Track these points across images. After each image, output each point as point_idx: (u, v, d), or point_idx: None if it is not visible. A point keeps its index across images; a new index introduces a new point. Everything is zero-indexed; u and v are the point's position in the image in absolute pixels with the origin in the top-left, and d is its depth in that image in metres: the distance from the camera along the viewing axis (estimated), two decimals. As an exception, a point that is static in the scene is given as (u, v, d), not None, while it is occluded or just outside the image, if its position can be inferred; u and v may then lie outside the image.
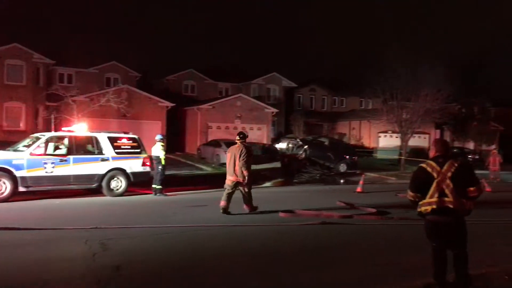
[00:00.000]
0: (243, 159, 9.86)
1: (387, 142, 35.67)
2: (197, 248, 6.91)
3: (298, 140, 26.59)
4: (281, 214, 9.80)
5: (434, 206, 4.58)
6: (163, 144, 13.98)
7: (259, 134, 32.53)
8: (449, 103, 30.68)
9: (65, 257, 6.18)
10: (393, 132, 30.73)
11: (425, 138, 36.54)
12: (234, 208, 10.07)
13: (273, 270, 5.81)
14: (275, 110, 33.66)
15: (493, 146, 29.19)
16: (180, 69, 39.02)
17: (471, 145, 36.93)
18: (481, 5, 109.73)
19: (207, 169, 23.26)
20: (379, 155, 34.08)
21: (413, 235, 7.99)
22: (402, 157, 27.28)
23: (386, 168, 26.47)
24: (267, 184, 18.87)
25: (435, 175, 4.61)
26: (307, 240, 7.65)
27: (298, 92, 43.29)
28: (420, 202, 4.71)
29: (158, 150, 13.83)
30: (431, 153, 4.88)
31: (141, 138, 14.61)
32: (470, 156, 32.00)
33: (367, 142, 36.85)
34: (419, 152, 32.06)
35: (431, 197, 4.60)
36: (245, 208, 10.24)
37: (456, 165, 4.61)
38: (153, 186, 13.65)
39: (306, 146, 23.86)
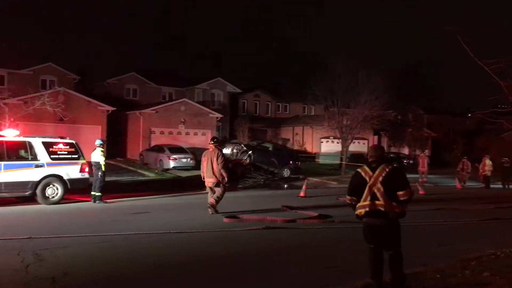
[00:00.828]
0: (221, 162, 10.68)
1: (328, 147, 36.75)
2: (135, 256, 6.72)
3: (242, 145, 26.68)
4: (225, 220, 9.78)
5: (367, 209, 4.82)
6: (102, 149, 13.52)
7: (204, 139, 32.29)
8: (386, 111, 32.20)
9: (-6, 270, 5.79)
10: (335, 137, 31.72)
11: (364, 143, 38.04)
12: (183, 213, 9.91)
13: (215, 276, 5.79)
14: (219, 115, 33.63)
15: (426, 152, 31.00)
16: (122, 72, 37.97)
17: (406, 151, 38.90)
18: (416, 18, 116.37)
19: (150, 175, 22.76)
20: (321, 160, 35.03)
21: (354, 237, 8.26)
22: (343, 162, 28.21)
23: (328, 172, 27.24)
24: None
25: (367, 179, 4.85)
26: (250, 245, 7.68)
27: (243, 97, 43.58)
28: (357, 205, 4.94)
29: (97, 155, 13.35)
30: (368, 158, 5.12)
31: (79, 143, 14.06)
32: (405, 161, 33.71)
33: (309, 147, 37.74)
34: (359, 157, 33.37)
35: (364, 200, 4.85)
36: (209, 210, 10.84)
37: (387, 169, 4.84)
38: (92, 193, 13.15)
39: (250, 152, 23.99)
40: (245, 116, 40.87)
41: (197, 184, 19.55)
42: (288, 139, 39.67)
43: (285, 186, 20.29)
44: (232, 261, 6.64)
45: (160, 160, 25.05)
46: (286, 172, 23.64)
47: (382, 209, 4.74)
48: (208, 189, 11.06)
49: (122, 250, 7.15)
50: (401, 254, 4.86)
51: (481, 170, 22.87)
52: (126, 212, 11.45)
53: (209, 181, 10.85)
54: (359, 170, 5.03)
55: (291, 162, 24.31)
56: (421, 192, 17.88)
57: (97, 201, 13.04)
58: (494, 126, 39.29)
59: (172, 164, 24.36)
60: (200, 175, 11.30)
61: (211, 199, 10.87)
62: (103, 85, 36.87)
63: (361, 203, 4.88)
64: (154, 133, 30.46)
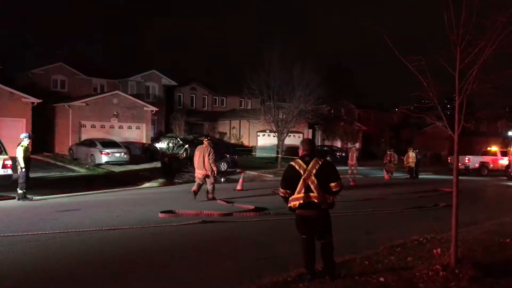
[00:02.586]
0: (212, 157, 12.36)
1: (265, 141, 37.22)
2: (62, 258, 6.41)
3: (178, 139, 26.36)
4: (161, 215, 9.61)
5: (301, 201, 4.95)
6: (23, 144, 12.62)
7: (138, 133, 31.45)
8: (320, 105, 33.19)
9: None
10: (271, 131, 32.19)
11: (299, 137, 38.87)
12: (116, 210, 9.56)
13: (151, 270, 5.68)
14: (154, 109, 32.84)
15: (357, 145, 32.37)
16: (48, 62, 35.79)
17: (339, 144, 40.41)
18: (348, 14, 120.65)
19: (81, 171, 21.77)
20: (257, 154, 35.41)
21: (288, 229, 8.48)
22: (279, 155, 28.72)
23: (265, 166, 27.61)
24: (147, 184, 18.36)
25: (301, 172, 4.97)
26: (186, 240, 7.62)
27: (179, 91, 42.81)
28: (290, 198, 5.04)
29: (21, 150, 12.53)
30: (300, 152, 5.24)
31: (1, 137, 13.12)
32: (338, 154, 34.97)
33: (246, 141, 38.01)
34: (294, 151, 34.14)
35: (299, 192, 4.97)
36: (209, 197, 12.44)
37: (320, 163, 5.03)
38: (18, 190, 12.35)
39: (187, 146, 23.76)
40: (181, 109, 40.26)
41: (131, 179, 19.18)
42: (225, 133, 39.69)
43: (222, 179, 20.29)
44: (166, 255, 6.55)
45: (92, 155, 24.02)
46: (223, 166, 23.64)
47: (316, 200, 4.90)
48: (196, 179, 12.68)
49: (51, 249, 6.79)
50: (332, 243, 5.06)
51: (405, 162, 24.37)
52: (53, 210, 10.86)
53: (199, 172, 12.50)
54: (292, 163, 5.13)
55: (227, 155, 24.34)
56: (352, 183, 18.67)
57: (20, 199, 12.25)
58: (418, 120, 41.98)
59: (104, 159, 23.43)
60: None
61: (208, 194, 12.52)
62: (28, 76, 34.56)
63: (295, 196, 4.98)
64: (85, 127, 29.11)
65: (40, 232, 7.76)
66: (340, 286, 4.81)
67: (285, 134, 29.57)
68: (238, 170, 23.05)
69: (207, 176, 12.47)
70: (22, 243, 7.07)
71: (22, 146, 12.56)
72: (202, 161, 12.39)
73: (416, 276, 5.10)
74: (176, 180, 19.27)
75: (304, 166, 5.00)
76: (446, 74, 5.37)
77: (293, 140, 36.83)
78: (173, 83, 41.77)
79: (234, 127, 39.72)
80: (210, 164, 12.35)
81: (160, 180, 19.10)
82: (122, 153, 24.11)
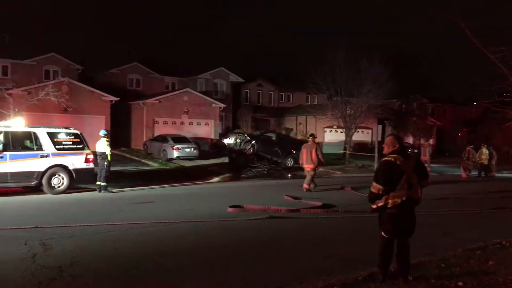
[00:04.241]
0: (320, 153, 14.13)
1: (332, 137, 36.69)
2: (142, 247, 6.76)
3: (245, 135, 26.69)
4: (229, 210, 9.82)
5: (404, 198, 4.79)
6: (107, 139, 13.57)
7: (207, 129, 32.34)
8: (390, 99, 32.05)
9: (2, 259, 5.85)
10: (338, 127, 31.62)
11: (368, 132, 37.94)
12: (187, 203, 9.92)
13: (220, 264, 5.82)
14: (222, 105, 33.57)
15: (430, 141, 30.90)
16: (124, 62, 37.83)
17: (411, 140, 38.80)
18: (416, 5, 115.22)
19: (154, 165, 22.82)
20: (324, 150, 34.94)
21: (357, 227, 8.30)
22: (347, 152, 28.17)
23: (332, 162, 27.17)
24: (215, 179, 18.82)
25: (404, 168, 4.83)
26: (254, 234, 7.72)
27: (246, 87, 43.43)
28: (386, 196, 4.80)
29: (103, 145, 13.40)
30: (388, 148, 5.04)
31: (84, 133, 14.08)
32: (409, 150, 33.61)
33: (313, 137, 37.60)
34: (363, 147, 33.28)
35: (401, 189, 4.79)
36: (304, 187, 13.81)
37: (415, 159, 5.05)
38: (98, 182, 13.22)
39: (253, 141, 24.00)
40: (248, 105, 40.78)
41: (200, 174, 19.78)
42: (292, 129, 39.61)
43: (289, 175, 20.30)
44: (235, 249, 6.68)
45: (164, 150, 25.09)
46: (290, 162, 23.63)
47: (416, 197, 4.86)
48: (306, 173, 14.26)
49: (128, 239, 7.20)
50: (409, 243, 4.89)
51: (478, 159, 22.76)
52: (131, 201, 11.52)
53: (308, 166, 14.06)
54: (390, 159, 4.90)
55: (294, 151, 24.26)
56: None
57: (102, 191, 13.11)
58: (498, 115, 39.10)
59: (175, 154, 24.39)
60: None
61: (304, 184, 13.97)
62: (106, 75, 36.79)
63: (396, 193, 4.78)
64: (158, 123, 30.48)
65: (119, 223, 8.25)
66: (414, 288, 4.63)
67: (353, 130, 28.88)
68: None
69: (313, 169, 13.96)
70: (102, 232, 7.56)
71: (107, 141, 13.43)
72: (309, 156, 13.94)
73: (499, 282, 4.78)
74: (243, 175, 19.56)
75: (405, 162, 4.87)
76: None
77: (361, 136, 35.98)
78: (240, 79, 42.29)
79: (300, 123, 39.54)
80: (319, 158, 13.98)
81: (228, 175, 19.50)
82: (192, 149, 24.96)
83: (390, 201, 4.80)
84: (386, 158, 4.97)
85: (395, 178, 4.80)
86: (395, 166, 4.83)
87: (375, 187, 4.86)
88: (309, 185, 13.97)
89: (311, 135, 14.96)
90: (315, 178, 14.35)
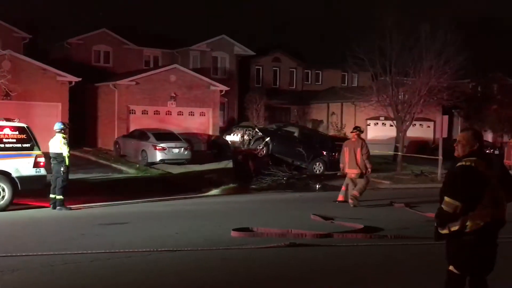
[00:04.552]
0: (366, 153, 14.09)
1: (378, 132, 36.58)
2: (111, 285, 6.80)
3: (256, 129, 26.70)
4: (234, 233, 9.82)
5: (488, 219, 4.66)
6: (65, 136, 13.64)
7: (202, 121, 32.41)
8: (461, 80, 31.75)
9: None
10: (386, 118, 31.48)
11: (428, 126, 37.73)
12: (174, 225, 9.93)
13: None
14: (224, 88, 33.60)
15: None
16: (89, 29, 37.90)
17: (489, 136, 38.46)
18: None
19: (129, 172, 22.96)
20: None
21: (412, 259, 8.25)
22: (399, 153, 28.04)
23: (378, 168, 27.05)
24: (214, 191, 18.86)
25: (488, 177, 4.72)
26: (268, 269, 7.71)
27: (257, 63, 43.23)
28: (464, 217, 4.70)
29: (58, 144, 13.46)
30: (461, 149, 4.92)
31: (33, 127, 14.20)
32: (488, 151, 33.38)
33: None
34: (421, 146, 33.05)
35: (485, 207, 4.67)
36: (354, 194, 13.99)
37: (498, 165, 4.99)
38: (51, 196, 13.33)
39: (268, 139, 24.01)
40: (260, 88, 40.62)
41: (193, 184, 19.78)
42: (321, 121, 39.55)
43: (317, 186, 20.28)
44: (243, 291, 6.68)
45: (143, 150, 25.21)
46: (319, 167, 23.62)
47: (502, 218, 4.75)
48: (348, 181, 14.32)
49: (92, 274, 7.24)
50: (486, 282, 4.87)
51: None
52: (96, 222, 11.57)
53: (351, 172, 14.12)
54: (471, 164, 4.75)
55: (325, 153, 24.25)
56: None
57: (58, 207, 13.20)
58: None
59: (159, 156, 24.48)
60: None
61: (354, 191, 14.04)
62: (64, 47, 36.95)
63: (479, 212, 4.67)
64: (134, 113, 30.62)
65: (80, 252, 8.29)
66: None
67: (407, 123, 28.74)
68: (339, 174, 22.83)
69: (361, 175, 14.07)
70: (58, 264, 7.61)
71: (64, 138, 13.49)
72: (354, 158, 14.04)
73: None
74: (253, 186, 19.58)
75: (490, 169, 4.78)
76: None
77: (419, 131, 35.75)
78: (250, 52, 41.55)
79: (333, 113, 39.43)
80: (365, 161, 14.04)
81: (232, 186, 19.52)
82: (182, 149, 25.02)
83: (469, 223, 4.67)
84: (463, 163, 4.79)
85: (477, 192, 4.69)
86: (478, 175, 4.71)
87: (450, 204, 4.70)
88: (361, 194, 14.12)
89: (356, 128, 15.00)
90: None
